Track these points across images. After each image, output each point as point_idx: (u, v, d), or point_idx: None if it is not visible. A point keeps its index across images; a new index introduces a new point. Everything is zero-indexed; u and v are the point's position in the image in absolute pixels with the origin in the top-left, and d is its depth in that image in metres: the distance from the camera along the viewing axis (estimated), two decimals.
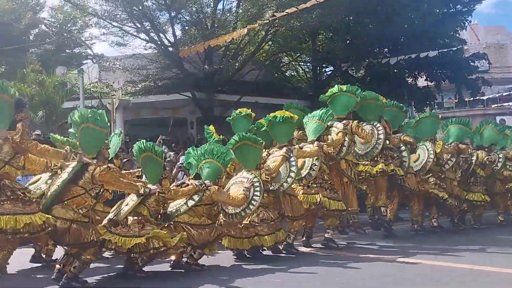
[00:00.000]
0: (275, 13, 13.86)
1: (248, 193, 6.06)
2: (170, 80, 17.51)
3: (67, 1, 17.43)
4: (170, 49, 17.06)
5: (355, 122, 7.58)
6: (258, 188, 6.16)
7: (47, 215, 4.92)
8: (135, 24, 16.83)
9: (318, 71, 20.06)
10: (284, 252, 6.79)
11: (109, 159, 6.27)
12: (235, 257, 6.59)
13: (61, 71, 17.13)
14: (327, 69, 20.79)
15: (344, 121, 7.50)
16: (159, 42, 17.05)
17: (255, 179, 6.25)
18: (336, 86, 8.10)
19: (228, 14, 17.57)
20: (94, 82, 18.95)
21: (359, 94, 7.83)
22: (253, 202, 6.10)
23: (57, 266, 5.36)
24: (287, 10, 12.30)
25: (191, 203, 5.79)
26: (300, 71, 21.59)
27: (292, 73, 21.88)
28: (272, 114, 7.06)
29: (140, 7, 16.05)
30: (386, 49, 19.02)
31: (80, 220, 5.06)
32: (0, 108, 5.01)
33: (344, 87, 7.84)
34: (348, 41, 18.56)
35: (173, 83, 17.21)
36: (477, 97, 24.35)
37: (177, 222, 5.75)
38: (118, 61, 18.30)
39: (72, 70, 19.00)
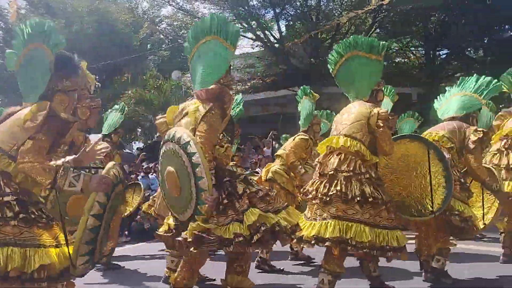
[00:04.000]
0: None
1: None
2: (278, 76, 17.73)
3: (179, 9, 18.47)
4: (276, 45, 17.29)
5: None
6: None
7: None
8: (242, 24, 17.30)
9: (431, 56, 18.94)
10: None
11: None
12: None
13: (176, 75, 18.23)
14: (441, 53, 19.55)
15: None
16: (265, 40, 17.38)
17: None
18: None
19: (332, 4, 17.33)
20: None
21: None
22: None
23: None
24: None
25: None
26: (412, 57, 20.55)
27: (403, 60, 20.89)
28: None
29: (246, 7, 16.48)
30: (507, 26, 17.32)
31: None
32: None
33: None
34: (463, 20, 17.23)
35: (281, 79, 17.40)
36: None
37: None
38: None
39: (187, 73, 20.09)
